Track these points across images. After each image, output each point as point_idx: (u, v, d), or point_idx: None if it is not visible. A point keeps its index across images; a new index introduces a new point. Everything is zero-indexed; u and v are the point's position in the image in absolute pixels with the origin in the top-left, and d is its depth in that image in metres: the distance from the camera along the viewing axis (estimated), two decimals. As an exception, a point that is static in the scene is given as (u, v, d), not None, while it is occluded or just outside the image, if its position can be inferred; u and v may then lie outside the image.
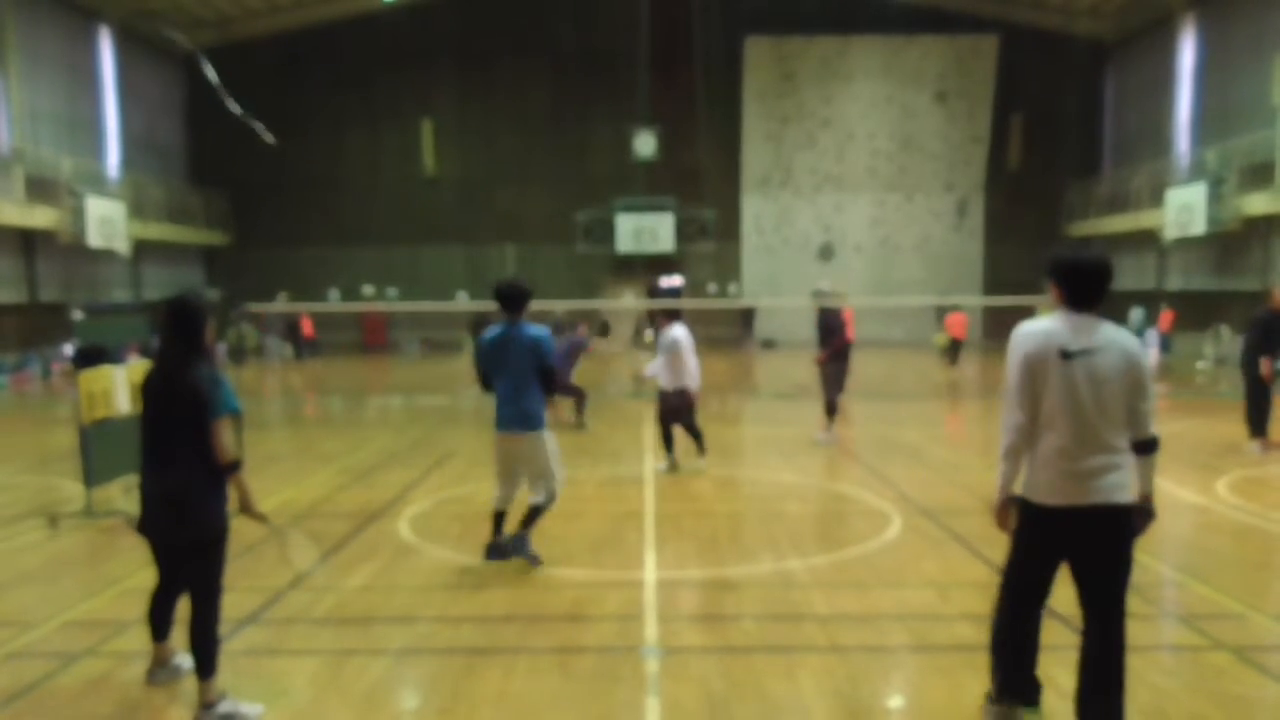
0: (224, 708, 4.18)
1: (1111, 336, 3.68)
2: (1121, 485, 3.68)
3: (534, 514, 6.34)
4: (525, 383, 6.13)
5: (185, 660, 4.66)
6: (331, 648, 5.09)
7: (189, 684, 4.40)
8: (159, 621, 4.53)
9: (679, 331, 9.75)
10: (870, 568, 6.46)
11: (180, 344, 4.27)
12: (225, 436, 4.18)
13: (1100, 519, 3.67)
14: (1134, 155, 30.17)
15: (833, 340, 11.56)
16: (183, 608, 4.51)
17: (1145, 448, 3.74)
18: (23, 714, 4.30)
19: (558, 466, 6.35)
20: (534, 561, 6.36)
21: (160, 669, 4.59)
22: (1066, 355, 3.63)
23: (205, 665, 4.19)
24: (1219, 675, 4.62)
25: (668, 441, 9.93)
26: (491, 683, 4.58)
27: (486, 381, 6.33)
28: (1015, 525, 3.87)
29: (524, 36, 32.23)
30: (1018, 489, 3.85)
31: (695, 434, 9.95)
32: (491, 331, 6.28)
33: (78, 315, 12.57)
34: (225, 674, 4.60)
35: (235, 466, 4.23)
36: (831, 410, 11.69)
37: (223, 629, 5.21)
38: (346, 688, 4.54)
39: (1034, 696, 4.00)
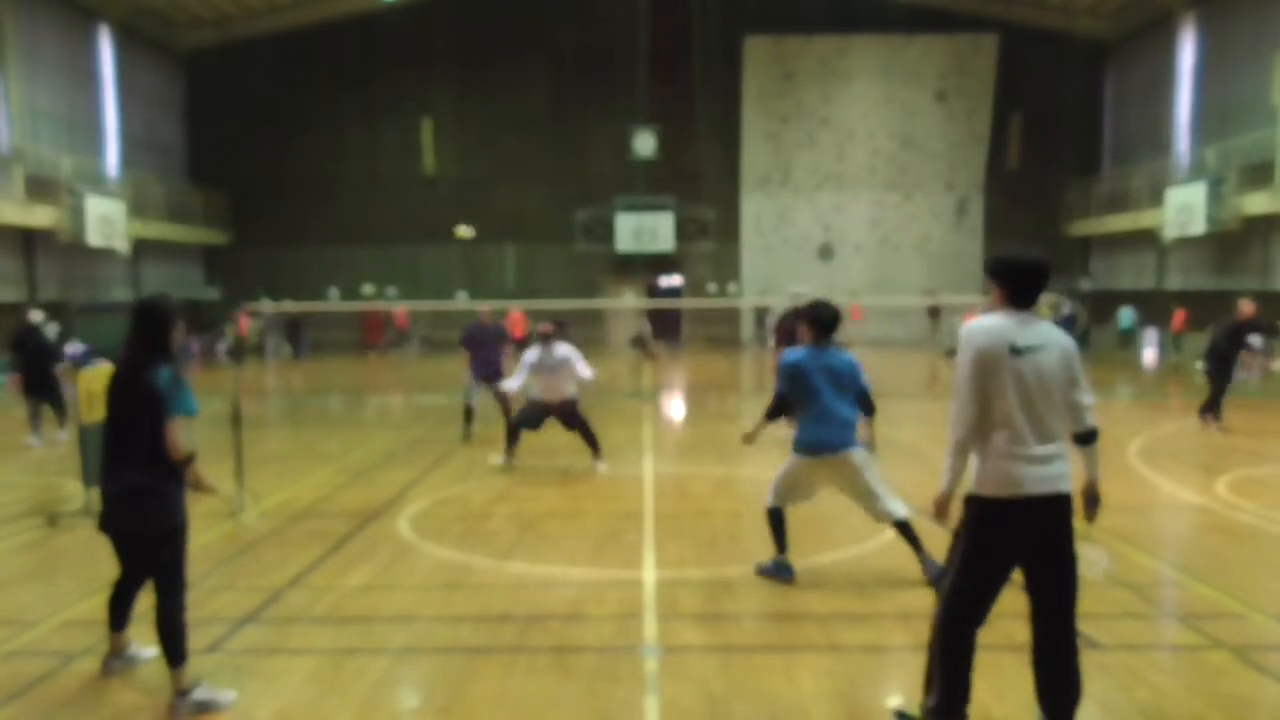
0: (198, 694, 4.28)
1: (1050, 334, 3.82)
2: (1066, 475, 3.78)
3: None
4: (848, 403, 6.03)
5: (141, 651, 4.78)
6: (331, 647, 5.08)
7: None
8: (117, 613, 4.68)
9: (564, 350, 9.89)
10: (869, 568, 6.46)
11: (146, 346, 4.37)
12: (178, 435, 4.29)
13: (1050, 508, 3.75)
14: (1134, 155, 30.15)
15: None
16: (149, 602, 4.58)
17: (1087, 438, 3.90)
18: (22, 713, 4.30)
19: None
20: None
21: (116, 658, 4.72)
22: (1015, 351, 3.73)
23: (175, 654, 4.27)
24: (1218, 675, 4.62)
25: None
26: (490, 682, 4.58)
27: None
28: (965, 524, 3.87)
29: (523, 35, 32.21)
30: (963, 487, 3.87)
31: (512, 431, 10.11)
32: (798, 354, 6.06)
33: (36, 317, 12.62)
34: (225, 672, 4.62)
35: (189, 461, 4.36)
36: None
37: (222, 628, 5.24)
38: (346, 687, 4.54)
39: None
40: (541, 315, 28.95)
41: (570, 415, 9.92)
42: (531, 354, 9.83)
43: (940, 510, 3.98)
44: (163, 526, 4.33)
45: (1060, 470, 3.77)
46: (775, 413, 6.18)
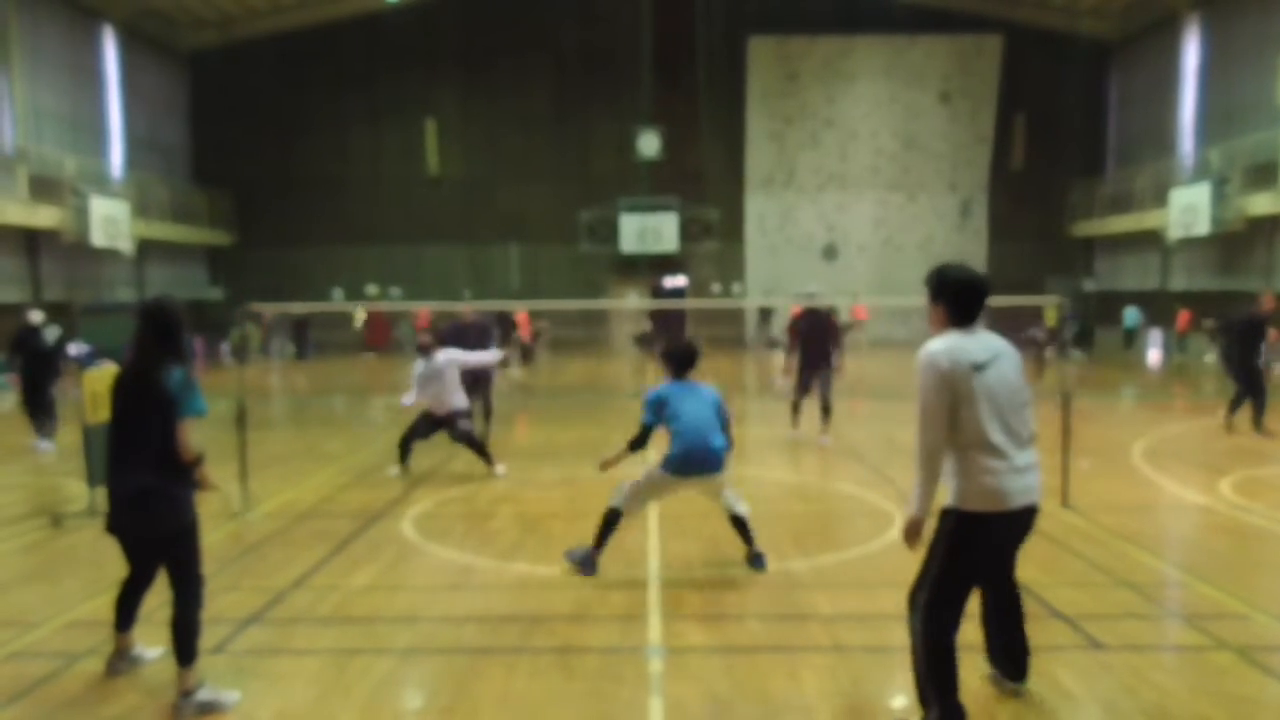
0: (202, 695, 4.28)
1: (998, 344, 3.90)
2: (1040, 485, 3.92)
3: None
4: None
5: (145, 651, 4.79)
6: (335, 647, 5.09)
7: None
8: (124, 613, 4.68)
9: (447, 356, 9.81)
10: (873, 568, 6.46)
11: (157, 346, 4.36)
12: (190, 436, 4.30)
13: (1028, 518, 3.89)
14: (1138, 155, 30.14)
15: (837, 339, 11.78)
16: (154, 602, 4.60)
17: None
18: (25, 713, 4.31)
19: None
20: None
21: (120, 659, 4.72)
22: (978, 367, 3.77)
23: (185, 653, 4.27)
24: (1222, 675, 4.61)
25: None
26: (494, 683, 4.58)
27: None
28: (944, 538, 3.85)
29: (527, 36, 32.25)
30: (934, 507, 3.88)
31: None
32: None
33: (36, 318, 12.61)
34: (229, 673, 4.62)
35: (199, 461, 4.37)
36: (827, 410, 11.82)
37: (226, 629, 5.24)
38: (350, 687, 4.54)
39: None
40: (545, 316, 29.08)
41: (455, 428, 9.89)
42: (417, 366, 9.80)
43: (914, 535, 3.88)
44: (172, 526, 4.33)
45: (1037, 480, 3.87)
46: (638, 443, 6.30)
